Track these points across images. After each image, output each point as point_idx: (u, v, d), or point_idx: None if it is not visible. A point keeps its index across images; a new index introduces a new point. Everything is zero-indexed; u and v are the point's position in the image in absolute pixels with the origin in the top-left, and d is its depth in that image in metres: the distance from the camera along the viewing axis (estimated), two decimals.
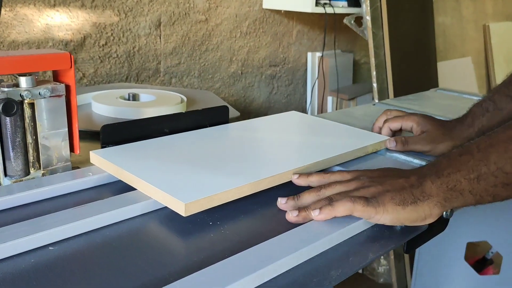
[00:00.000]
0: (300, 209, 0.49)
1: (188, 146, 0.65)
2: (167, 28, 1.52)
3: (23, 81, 0.55)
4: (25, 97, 0.54)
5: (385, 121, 0.78)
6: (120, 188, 0.57)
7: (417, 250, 1.53)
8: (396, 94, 1.76)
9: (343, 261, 0.43)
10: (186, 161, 0.58)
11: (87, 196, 0.55)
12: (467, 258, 1.45)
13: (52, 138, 0.59)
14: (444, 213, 0.55)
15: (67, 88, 0.59)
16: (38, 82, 0.57)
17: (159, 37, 1.50)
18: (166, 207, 0.52)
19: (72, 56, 0.58)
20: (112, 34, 1.38)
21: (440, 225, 0.55)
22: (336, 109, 2.04)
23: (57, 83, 0.58)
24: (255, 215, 0.52)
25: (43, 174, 0.58)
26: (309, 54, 2.10)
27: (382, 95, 1.77)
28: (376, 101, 1.70)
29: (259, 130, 0.76)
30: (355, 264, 0.42)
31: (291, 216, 0.49)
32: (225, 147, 0.67)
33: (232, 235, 0.47)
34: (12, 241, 0.41)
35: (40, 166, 0.58)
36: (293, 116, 0.85)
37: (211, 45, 1.67)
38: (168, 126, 0.70)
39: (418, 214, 0.47)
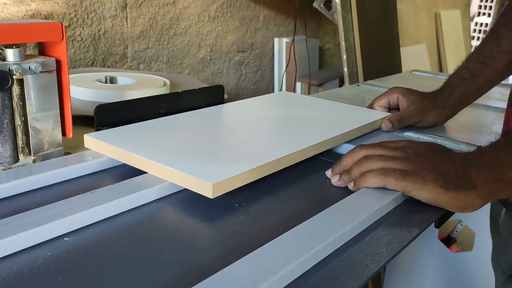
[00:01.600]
0: (342, 173, 0.50)
1: (192, 126, 0.60)
2: (134, 10, 1.43)
3: (11, 54, 0.48)
4: (14, 72, 0.48)
5: (373, 102, 0.77)
6: (124, 173, 0.52)
7: None
8: (366, 78, 1.77)
9: (389, 236, 0.41)
10: (195, 142, 0.54)
11: (88, 183, 0.50)
12: (439, 235, 1.49)
13: (43, 120, 0.52)
14: None
15: (58, 63, 0.53)
16: (25, 57, 0.50)
17: (125, 20, 1.42)
18: (181, 190, 0.47)
19: (64, 26, 0.52)
20: (75, 15, 1.29)
21: None
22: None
23: (47, 57, 0.52)
24: (279, 194, 0.49)
25: (34, 161, 0.52)
26: (276, 40, 2.07)
27: (353, 79, 1.77)
28: (347, 84, 1.70)
29: (260, 110, 0.72)
30: (402, 239, 0.40)
31: (333, 181, 0.50)
32: (232, 127, 0.63)
33: (263, 216, 0.43)
34: (23, 233, 0.35)
35: (30, 151, 0.52)
36: (287, 96, 0.82)
37: (179, 29, 1.60)
38: (165, 107, 0.65)
39: (459, 203, 0.45)
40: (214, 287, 0.30)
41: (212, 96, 0.72)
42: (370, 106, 0.77)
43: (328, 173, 0.52)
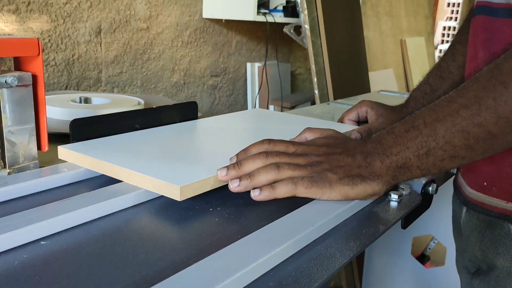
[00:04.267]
0: (241, 177, 0.46)
1: (165, 138, 0.62)
2: (108, 36, 1.45)
3: None
4: None
5: (343, 115, 0.80)
6: (101, 183, 0.52)
7: (366, 249, 1.58)
8: (336, 99, 1.82)
9: (357, 234, 0.43)
10: (167, 151, 0.56)
11: (64, 193, 0.50)
12: (413, 252, 1.52)
13: (18, 133, 0.53)
14: (430, 189, 0.57)
15: (34, 78, 0.54)
16: (1, 71, 0.51)
17: (99, 45, 1.43)
18: (158, 197, 0.49)
19: (40, 42, 0.53)
20: (49, 40, 1.30)
21: (427, 201, 0.57)
22: None
23: (23, 72, 0.53)
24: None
25: (9, 173, 0.52)
26: (248, 65, 2.12)
27: (323, 101, 1.82)
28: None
29: (231, 124, 0.74)
30: (370, 235, 0.42)
31: (232, 187, 0.46)
32: (203, 139, 0.65)
33: (237, 218, 0.45)
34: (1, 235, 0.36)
35: (5, 164, 0.52)
36: (260, 112, 0.85)
37: (153, 54, 1.63)
38: (140, 122, 0.66)
39: (367, 192, 0.47)
40: (190, 278, 0.31)
41: (186, 112, 0.73)
42: (340, 120, 0.81)
43: (222, 173, 0.47)
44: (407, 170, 0.47)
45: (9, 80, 0.50)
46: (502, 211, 0.54)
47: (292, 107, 2.06)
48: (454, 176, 0.68)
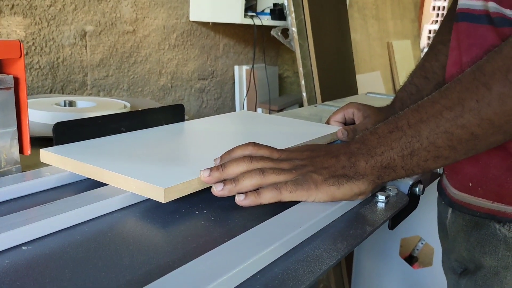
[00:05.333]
0: (226, 181, 0.46)
1: (150, 141, 0.61)
2: (93, 39, 1.44)
3: None
4: None
5: (330, 117, 0.81)
6: (86, 186, 0.52)
7: (355, 249, 1.58)
8: (324, 102, 1.83)
9: (345, 235, 0.42)
10: (152, 154, 0.55)
11: (47, 198, 0.49)
12: (401, 253, 1.53)
13: (0, 137, 0.52)
14: (417, 190, 0.57)
15: (16, 80, 0.53)
16: None
17: (85, 48, 1.42)
18: (144, 201, 0.48)
19: (22, 44, 0.52)
20: (33, 43, 1.28)
21: (414, 202, 0.57)
22: None
23: (4, 74, 0.52)
24: None
25: None
26: (236, 68, 2.12)
27: (311, 103, 1.82)
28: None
29: (218, 126, 0.74)
30: (357, 236, 0.42)
31: (216, 191, 0.45)
32: (189, 142, 0.65)
33: (224, 221, 0.44)
34: None
35: None
36: (247, 114, 0.84)
37: (139, 57, 1.62)
38: (125, 125, 0.66)
39: (353, 191, 0.47)
40: (174, 282, 0.31)
41: (173, 115, 0.73)
42: (327, 122, 0.81)
43: (205, 174, 0.47)
44: (392, 170, 0.47)
45: None
46: (488, 211, 0.54)
47: (280, 110, 2.06)
48: (438, 178, 0.68)
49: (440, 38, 0.73)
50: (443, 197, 0.62)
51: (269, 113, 2.06)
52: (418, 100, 0.77)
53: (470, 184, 0.56)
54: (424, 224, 1.41)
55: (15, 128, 0.53)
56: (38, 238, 0.39)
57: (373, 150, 0.48)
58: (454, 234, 0.60)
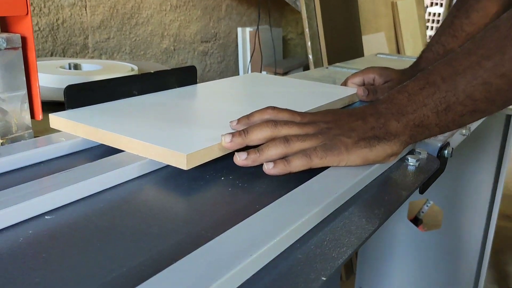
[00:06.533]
0: (249, 150, 0.43)
1: (165, 104, 0.59)
2: None
3: None
4: None
5: (346, 79, 0.77)
6: (101, 153, 0.49)
7: None
8: (330, 64, 1.78)
9: (380, 200, 0.41)
10: (168, 118, 0.52)
11: (63, 165, 0.47)
12: (408, 216, 1.53)
13: (10, 101, 0.49)
14: (446, 152, 0.55)
15: (23, 40, 0.50)
16: None
17: (84, 8, 1.37)
18: (163, 168, 0.46)
19: (28, 0, 0.49)
20: (32, 3, 1.23)
21: (443, 165, 0.55)
22: None
23: (11, 33, 0.49)
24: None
25: (2, 144, 0.49)
26: (239, 30, 2.06)
27: (318, 66, 1.78)
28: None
29: (233, 89, 0.71)
30: (394, 202, 0.40)
31: (239, 160, 0.43)
32: (205, 104, 0.62)
33: (251, 187, 0.42)
34: (2, 210, 0.33)
35: None
36: (261, 76, 0.81)
37: (141, 18, 1.56)
38: (137, 88, 0.63)
39: (386, 153, 0.44)
40: (210, 255, 0.29)
41: (185, 77, 0.70)
42: (344, 84, 0.78)
43: (227, 139, 0.44)
44: (425, 128, 0.45)
45: None
46: None
47: (285, 73, 2.02)
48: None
49: None
50: None
51: None
52: None
53: None
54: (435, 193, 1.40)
55: (25, 91, 0.51)
56: (60, 207, 0.37)
57: (404, 108, 0.45)
58: None
